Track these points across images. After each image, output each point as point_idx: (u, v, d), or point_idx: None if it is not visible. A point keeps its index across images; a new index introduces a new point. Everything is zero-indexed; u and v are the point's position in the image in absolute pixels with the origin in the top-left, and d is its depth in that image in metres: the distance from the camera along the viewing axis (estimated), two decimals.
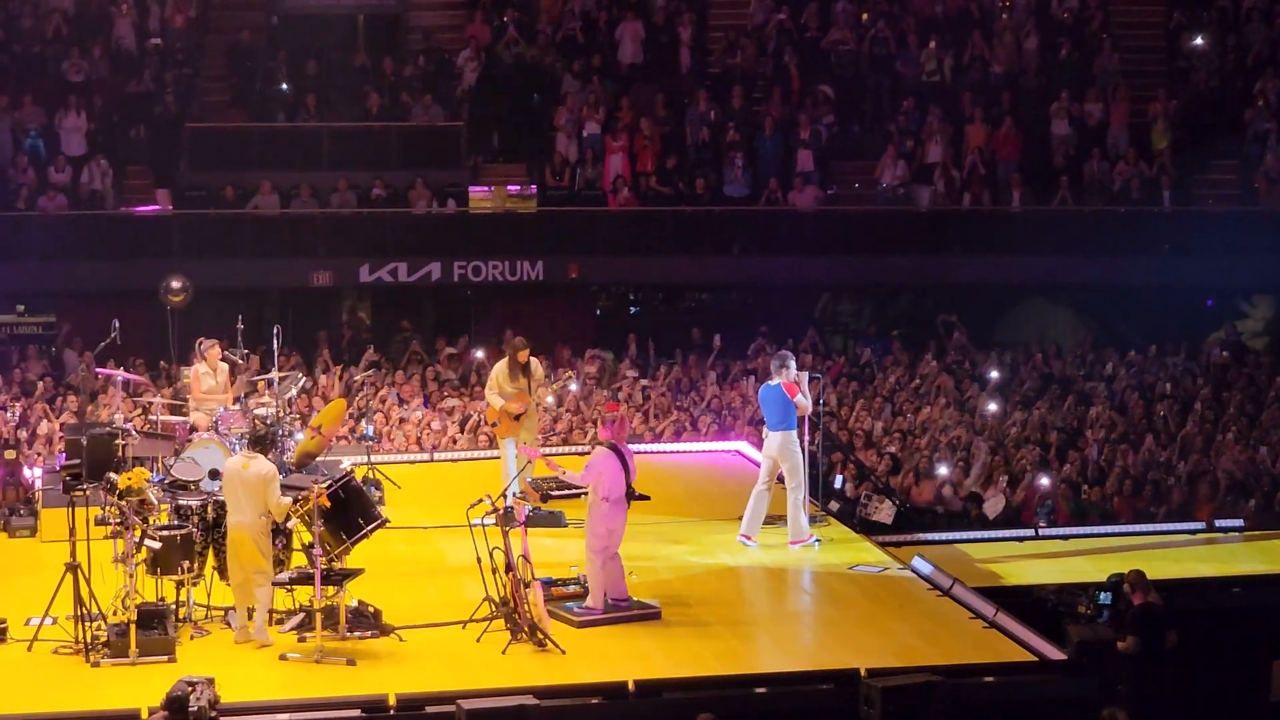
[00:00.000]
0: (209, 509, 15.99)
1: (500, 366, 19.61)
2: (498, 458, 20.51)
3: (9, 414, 22.77)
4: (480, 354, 27.94)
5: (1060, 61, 33.19)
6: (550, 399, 19.32)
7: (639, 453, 17.00)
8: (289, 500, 15.68)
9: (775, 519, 18.89)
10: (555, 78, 32.45)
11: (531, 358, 19.60)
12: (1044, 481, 22.68)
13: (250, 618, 15.66)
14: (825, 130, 31.95)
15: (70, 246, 29.23)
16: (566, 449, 22.46)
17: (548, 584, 16.36)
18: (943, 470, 23.23)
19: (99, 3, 32.37)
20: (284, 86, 31.92)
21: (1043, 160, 32.09)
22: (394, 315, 31.11)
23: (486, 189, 30.96)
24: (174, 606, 15.71)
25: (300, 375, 21.61)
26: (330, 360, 27.82)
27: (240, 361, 20.64)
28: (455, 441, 24.25)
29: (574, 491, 17.00)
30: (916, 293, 32.73)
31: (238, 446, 18.24)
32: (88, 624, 15.18)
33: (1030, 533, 20.09)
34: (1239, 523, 20.70)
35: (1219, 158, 32.64)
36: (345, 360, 28.09)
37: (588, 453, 19.41)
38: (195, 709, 13.15)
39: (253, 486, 15.46)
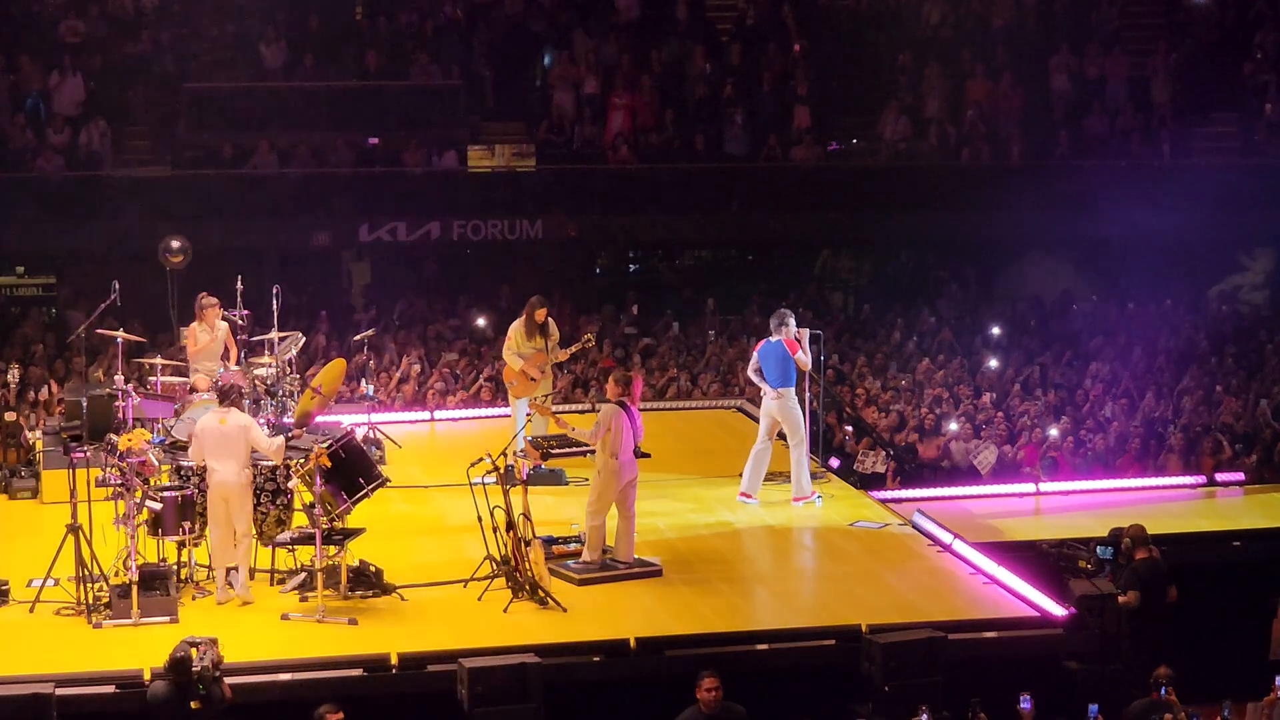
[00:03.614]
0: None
1: (517, 326, 19.34)
2: (497, 417, 20.47)
3: (9, 375, 22.76)
4: (479, 316, 27.90)
5: (1059, 15, 33.05)
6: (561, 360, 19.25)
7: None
8: (280, 439, 15.72)
9: (776, 476, 18.90)
10: (554, 35, 32.30)
11: (549, 318, 19.49)
12: (1053, 433, 22.68)
13: (229, 578, 15.62)
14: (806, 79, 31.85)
15: (69, 208, 29.16)
16: (566, 406, 22.42)
17: (549, 542, 16.37)
18: (953, 426, 23.21)
19: None
20: (282, 46, 31.77)
21: (1042, 114, 32.00)
22: (393, 274, 31.06)
23: (485, 147, 30.88)
24: (175, 567, 15.72)
25: (300, 335, 21.56)
26: (329, 321, 27.76)
27: (240, 322, 20.60)
28: (455, 399, 24.26)
29: (574, 450, 16.98)
30: (916, 248, 32.70)
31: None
32: (89, 585, 15.19)
33: (1031, 488, 20.09)
34: (1239, 476, 20.69)
35: (1219, 110, 32.54)
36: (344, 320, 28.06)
37: (591, 410, 19.43)
38: (198, 669, 13.18)
39: (233, 440, 15.43)
